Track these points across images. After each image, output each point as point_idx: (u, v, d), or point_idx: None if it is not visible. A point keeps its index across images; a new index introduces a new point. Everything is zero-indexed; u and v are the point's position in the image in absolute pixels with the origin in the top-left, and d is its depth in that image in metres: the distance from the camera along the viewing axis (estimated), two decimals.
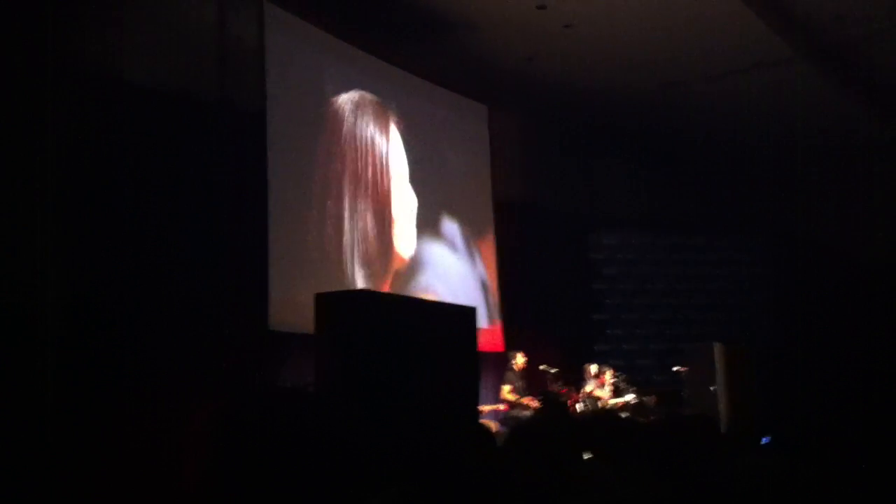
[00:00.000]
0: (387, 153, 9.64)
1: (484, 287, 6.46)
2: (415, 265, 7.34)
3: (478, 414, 8.33)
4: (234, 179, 8.48)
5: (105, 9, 7.68)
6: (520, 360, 10.75)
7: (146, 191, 7.67)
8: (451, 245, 6.69)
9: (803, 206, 14.00)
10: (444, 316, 8.18)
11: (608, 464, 3.52)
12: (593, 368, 11.60)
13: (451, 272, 6.18)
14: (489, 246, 7.85)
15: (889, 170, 13.48)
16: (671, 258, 14.42)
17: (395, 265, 8.35)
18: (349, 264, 9.39)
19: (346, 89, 9.96)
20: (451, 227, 7.41)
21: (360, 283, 9.39)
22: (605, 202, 14.48)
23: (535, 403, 10.35)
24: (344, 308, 7.06)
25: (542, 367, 11.08)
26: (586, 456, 3.83)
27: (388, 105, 9.05)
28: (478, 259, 6.35)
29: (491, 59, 11.16)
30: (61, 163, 6.75)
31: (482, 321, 7.21)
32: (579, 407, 10.82)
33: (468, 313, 8.42)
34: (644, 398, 11.56)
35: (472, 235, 6.84)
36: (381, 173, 9.52)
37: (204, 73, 8.49)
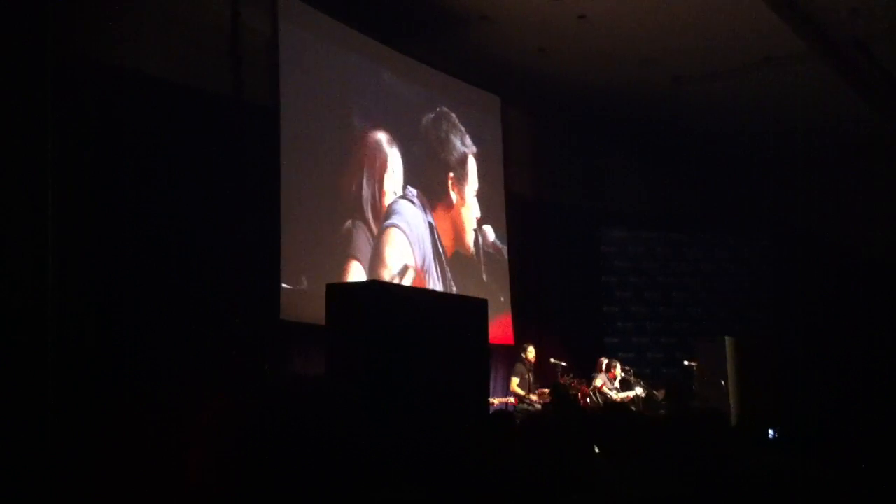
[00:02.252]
0: (392, 160, 9.84)
1: (431, 229, 8.46)
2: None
3: (488, 407, 8.34)
4: (246, 172, 8.49)
5: (113, 0, 7.68)
6: (531, 352, 10.75)
7: (155, 185, 7.65)
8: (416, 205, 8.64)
9: (809, 203, 13.99)
10: (454, 308, 8.18)
11: (616, 458, 3.52)
12: (603, 362, 11.59)
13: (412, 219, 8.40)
14: (445, 203, 8.83)
15: (893, 168, 13.44)
16: (679, 253, 14.42)
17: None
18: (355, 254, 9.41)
19: (360, 80, 9.97)
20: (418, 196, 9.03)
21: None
22: (613, 197, 14.45)
23: (543, 398, 10.36)
24: (354, 299, 7.06)
25: (552, 361, 11.09)
26: (596, 450, 3.83)
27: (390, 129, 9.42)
28: (428, 212, 8.60)
29: (504, 51, 11.13)
30: (69, 159, 6.69)
31: (429, 257, 8.62)
32: (589, 401, 10.82)
33: (479, 306, 8.42)
34: (654, 392, 11.56)
35: (427, 200, 8.73)
36: (386, 175, 9.69)
37: (216, 65, 8.48)
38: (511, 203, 12.18)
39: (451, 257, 9.08)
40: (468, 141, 9.81)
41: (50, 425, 5.94)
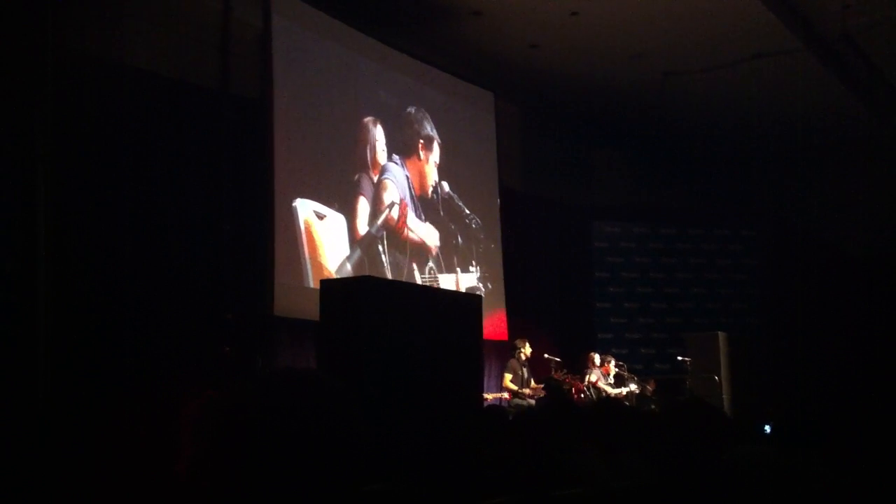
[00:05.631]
0: (379, 143, 10.49)
1: (408, 179, 10.89)
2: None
3: (481, 402, 8.34)
4: (238, 166, 8.48)
5: None
6: (527, 348, 10.75)
7: (147, 179, 7.63)
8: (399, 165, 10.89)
9: (800, 198, 14.03)
10: (448, 303, 8.18)
11: (608, 451, 3.53)
12: (597, 358, 11.59)
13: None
14: (415, 161, 11.12)
15: (884, 164, 13.49)
16: (670, 248, 14.44)
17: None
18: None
19: (353, 75, 10.03)
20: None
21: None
22: (605, 192, 14.46)
23: (536, 393, 10.37)
24: (347, 294, 7.06)
25: (546, 356, 11.09)
26: (590, 445, 3.84)
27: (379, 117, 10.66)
28: (406, 169, 10.91)
29: (496, 47, 11.13)
30: (60, 152, 6.67)
31: (407, 197, 10.89)
32: (583, 396, 10.82)
33: (473, 301, 8.43)
34: (647, 387, 11.58)
35: (404, 157, 10.92)
36: (372, 154, 10.39)
37: (208, 59, 8.46)
38: (504, 198, 12.18)
39: (419, 198, 10.99)
40: (435, 132, 11.50)
41: (43, 421, 5.92)
